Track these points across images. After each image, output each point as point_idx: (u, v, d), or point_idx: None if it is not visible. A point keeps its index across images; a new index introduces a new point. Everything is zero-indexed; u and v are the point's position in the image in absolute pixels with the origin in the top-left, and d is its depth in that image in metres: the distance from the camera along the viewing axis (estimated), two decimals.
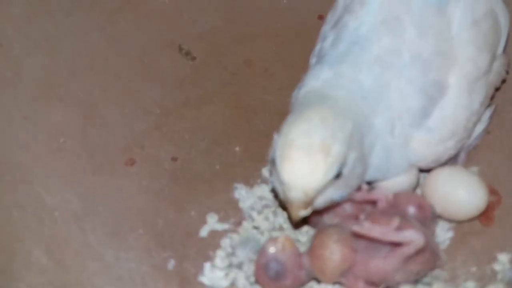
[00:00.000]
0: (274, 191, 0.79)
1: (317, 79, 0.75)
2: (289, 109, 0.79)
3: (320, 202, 0.71)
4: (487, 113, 0.81)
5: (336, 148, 0.68)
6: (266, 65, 0.94)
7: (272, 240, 0.74)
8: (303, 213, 0.71)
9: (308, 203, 0.70)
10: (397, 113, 0.73)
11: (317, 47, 0.82)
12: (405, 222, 0.71)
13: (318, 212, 0.74)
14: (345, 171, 0.69)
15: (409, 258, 0.71)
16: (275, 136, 0.71)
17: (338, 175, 0.69)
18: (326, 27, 0.82)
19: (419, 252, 0.71)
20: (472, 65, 0.76)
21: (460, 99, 0.75)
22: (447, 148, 0.76)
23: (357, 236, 0.71)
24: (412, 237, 0.70)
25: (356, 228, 0.71)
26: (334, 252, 0.72)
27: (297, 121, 0.70)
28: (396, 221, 0.70)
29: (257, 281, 0.75)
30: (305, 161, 0.68)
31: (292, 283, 0.73)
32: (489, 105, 0.81)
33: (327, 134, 0.68)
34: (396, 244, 0.70)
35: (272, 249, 0.73)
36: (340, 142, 0.68)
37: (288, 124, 0.70)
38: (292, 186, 0.69)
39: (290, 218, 0.76)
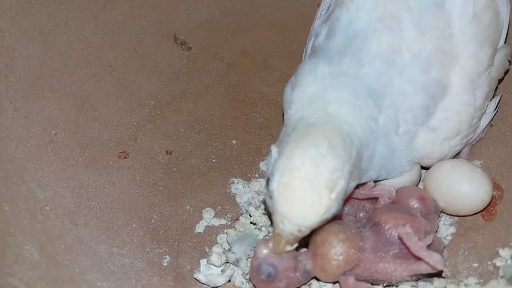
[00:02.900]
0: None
1: (315, 78, 0.73)
2: None
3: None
4: (492, 105, 0.80)
5: (341, 183, 0.64)
6: (264, 56, 0.93)
7: (264, 241, 0.71)
8: (289, 248, 0.68)
9: (299, 239, 0.67)
10: (400, 111, 0.72)
11: (309, 44, 0.80)
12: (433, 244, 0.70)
13: None
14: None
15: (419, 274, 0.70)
16: (273, 149, 0.67)
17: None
18: (317, 23, 0.81)
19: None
20: (473, 62, 0.74)
21: (463, 96, 0.74)
22: (453, 146, 0.75)
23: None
24: (437, 261, 0.67)
25: (401, 232, 0.68)
26: (339, 252, 0.69)
27: (303, 144, 0.65)
28: (430, 239, 0.68)
29: (251, 282, 0.74)
30: (308, 195, 0.63)
31: (286, 285, 0.71)
32: (493, 97, 0.80)
33: (335, 167, 0.64)
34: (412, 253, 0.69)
35: (264, 252, 0.70)
36: (345, 176, 0.65)
37: (291, 144, 0.65)
38: (287, 219, 0.64)
39: (273, 246, 0.69)
